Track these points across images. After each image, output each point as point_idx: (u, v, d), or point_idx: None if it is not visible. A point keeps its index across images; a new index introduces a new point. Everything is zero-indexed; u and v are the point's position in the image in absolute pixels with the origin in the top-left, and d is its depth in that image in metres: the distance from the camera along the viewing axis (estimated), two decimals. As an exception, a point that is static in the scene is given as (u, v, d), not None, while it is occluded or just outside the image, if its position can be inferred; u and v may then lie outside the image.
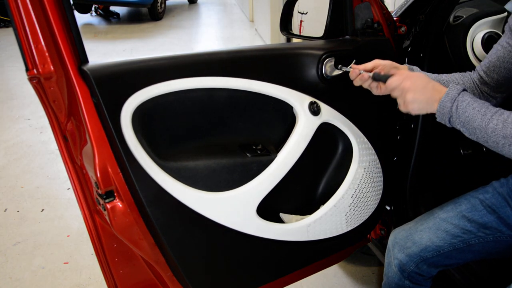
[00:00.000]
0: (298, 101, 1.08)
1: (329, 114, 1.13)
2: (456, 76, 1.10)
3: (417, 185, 1.42)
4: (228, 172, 1.01)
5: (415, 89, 0.89)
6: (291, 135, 1.09)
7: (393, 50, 1.29)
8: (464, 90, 0.86)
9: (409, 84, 0.89)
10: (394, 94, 0.93)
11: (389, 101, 1.31)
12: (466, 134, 0.86)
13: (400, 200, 1.43)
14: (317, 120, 1.11)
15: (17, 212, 2.34)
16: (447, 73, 1.12)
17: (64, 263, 1.96)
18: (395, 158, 1.41)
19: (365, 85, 1.04)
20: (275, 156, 1.07)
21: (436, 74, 1.10)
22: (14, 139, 3.23)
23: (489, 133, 0.81)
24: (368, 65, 1.02)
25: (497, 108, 0.83)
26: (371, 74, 0.99)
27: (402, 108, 0.91)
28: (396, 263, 1.16)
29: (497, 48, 1.02)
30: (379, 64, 1.00)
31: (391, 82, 0.93)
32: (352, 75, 1.05)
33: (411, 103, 0.89)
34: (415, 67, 1.08)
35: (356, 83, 1.05)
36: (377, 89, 1.02)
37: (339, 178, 1.22)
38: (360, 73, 1.02)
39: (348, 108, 1.18)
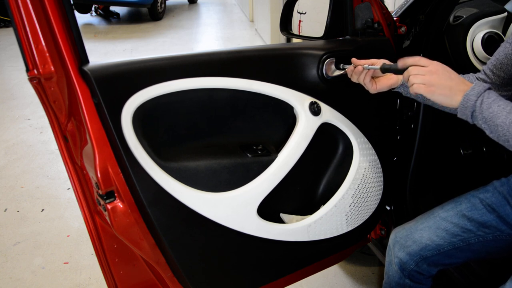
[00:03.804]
0: (299, 101, 1.08)
1: (329, 114, 1.13)
2: None
3: (417, 185, 1.42)
4: (228, 172, 1.01)
5: (442, 74, 0.86)
6: (291, 135, 1.09)
7: (393, 50, 1.29)
8: (490, 88, 0.84)
9: (436, 68, 0.86)
10: (414, 72, 0.88)
11: (389, 102, 1.32)
12: (487, 132, 0.84)
13: (400, 200, 1.43)
14: (318, 120, 1.11)
15: (17, 212, 2.34)
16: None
17: (64, 263, 1.96)
18: (395, 158, 1.41)
19: (360, 80, 1.04)
20: (276, 156, 1.07)
21: None
22: (14, 139, 3.22)
23: (511, 131, 0.80)
24: (366, 62, 1.02)
25: None
26: (378, 67, 0.98)
27: (422, 89, 0.86)
28: (397, 261, 1.16)
29: (505, 45, 1.02)
30: (375, 63, 1.01)
31: (418, 59, 0.88)
32: (350, 71, 1.05)
33: (435, 86, 0.85)
34: None
35: (353, 78, 1.05)
36: (372, 86, 1.02)
37: (340, 178, 1.22)
38: (362, 69, 1.02)
39: (348, 108, 1.18)
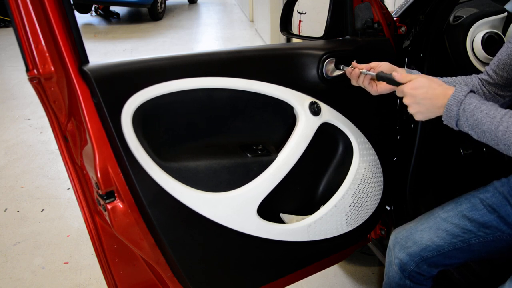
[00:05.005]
0: (299, 101, 1.08)
1: (329, 115, 1.13)
2: (460, 79, 1.10)
3: (417, 185, 1.42)
4: (228, 172, 1.01)
5: (415, 102, 0.89)
6: (291, 135, 1.09)
7: (393, 50, 1.29)
8: (471, 91, 0.85)
9: (409, 100, 0.90)
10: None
11: (389, 102, 1.32)
12: (475, 137, 0.85)
13: (400, 200, 1.43)
14: (318, 120, 1.11)
15: (17, 212, 2.34)
16: (448, 74, 1.12)
17: (64, 263, 1.96)
18: (395, 158, 1.41)
19: (359, 83, 1.04)
20: (276, 157, 1.07)
21: (439, 78, 1.09)
22: (14, 139, 3.22)
23: (499, 136, 0.80)
24: (366, 66, 1.02)
25: (506, 110, 0.81)
26: (374, 73, 0.99)
27: (414, 117, 0.93)
28: (397, 262, 1.16)
29: (507, 46, 1.02)
30: (376, 66, 1.00)
31: (397, 94, 0.95)
32: (348, 73, 1.05)
33: (415, 115, 0.91)
34: (414, 71, 1.07)
35: (353, 82, 1.06)
36: (372, 88, 1.03)
37: (340, 178, 1.22)
38: (359, 72, 1.03)
39: (348, 108, 1.18)
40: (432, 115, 0.89)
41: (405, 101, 0.91)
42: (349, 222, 1.25)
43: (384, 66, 1.00)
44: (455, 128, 0.87)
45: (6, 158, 2.94)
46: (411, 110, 0.91)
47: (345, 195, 1.21)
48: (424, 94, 0.88)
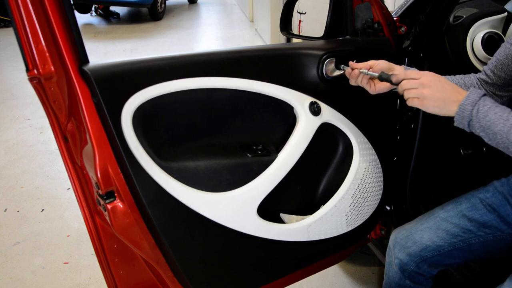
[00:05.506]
0: (299, 101, 1.08)
1: (329, 115, 1.14)
2: (458, 77, 1.10)
3: (417, 185, 1.42)
4: (228, 172, 1.01)
5: (434, 86, 0.86)
6: (291, 135, 1.09)
7: (393, 50, 1.29)
8: (485, 94, 0.85)
9: (428, 80, 0.87)
10: (406, 87, 0.89)
11: (389, 102, 1.32)
12: (486, 140, 0.84)
13: (400, 200, 1.43)
14: (318, 120, 1.11)
15: (17, 212, 2.34)
16: (447, 74, 1.12)
17: (64, 263, 1.96)
18: (395, 158, 1.41)
19: (358, 83, 1.04)
20: (276, 156, 1.07)
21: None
22: (14, 139, 3.23)
23: (510, 138, 0.80)
24: (364, 65, 1.02)
25: None
26: (376, 74, 0.98)
27: (416, 103, 0.88)
28: (397, 262, 1.16)
29: (505, 46, 1.02)
30: (374, 64, 1.00)
31: (410, 73, 0.90)
32: (348, 73, 1.05)
33: (428, 99, 0.86)
34: (412, 68, 1.08)
35: (352, 82, 1.06)
36: (371, 87, 1.02)
37: (340, 178, 1.22)
38: (359, 72, 1.02)
39: (348, 108, 1.18)
40: (442, 105, 0.86)
41: (424, 80, 0.87)
42: (349, 222, 1.25)
43: (382, 64, 0.99)
44: (466, 129, 0.86)
45: (6, 158, 2.94)
46: (426, 91, 0.85)
47: (345, 195, 1.21)
48: (444, 84, 0.86)
